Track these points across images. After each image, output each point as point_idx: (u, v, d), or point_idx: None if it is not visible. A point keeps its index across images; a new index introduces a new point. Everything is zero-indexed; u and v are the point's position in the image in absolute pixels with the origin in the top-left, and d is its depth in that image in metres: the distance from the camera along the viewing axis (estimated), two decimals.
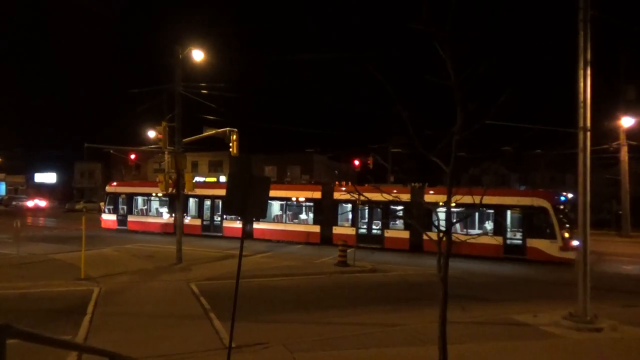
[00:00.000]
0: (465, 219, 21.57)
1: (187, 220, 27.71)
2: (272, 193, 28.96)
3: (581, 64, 9.76)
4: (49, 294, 12.62)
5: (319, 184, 28.13)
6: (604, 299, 11.98)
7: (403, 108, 5.65)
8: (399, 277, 16.44)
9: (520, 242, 20.42)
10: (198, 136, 19.19)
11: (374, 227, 23.66)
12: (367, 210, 23.43)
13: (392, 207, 20.23)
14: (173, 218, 27.65)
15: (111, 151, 39.65)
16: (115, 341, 8.47)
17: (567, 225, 19.72)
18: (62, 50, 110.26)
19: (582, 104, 9.84)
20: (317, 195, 24.96)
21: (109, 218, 30.60)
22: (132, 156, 43.55)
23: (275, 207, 26.74)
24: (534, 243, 19.97)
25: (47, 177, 77.87)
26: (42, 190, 72.31)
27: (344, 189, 23.32)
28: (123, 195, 30.34)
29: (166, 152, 18.89)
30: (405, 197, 19.40)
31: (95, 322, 9.90)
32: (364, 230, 23.81)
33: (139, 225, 29.28)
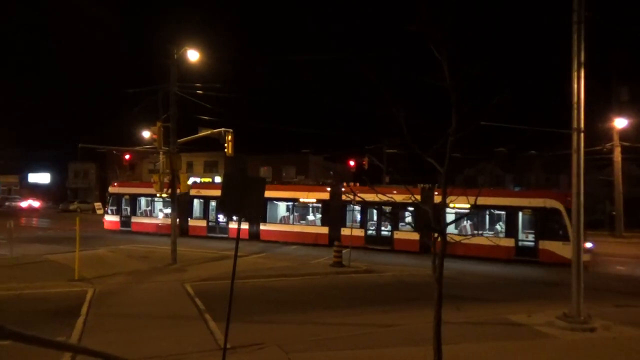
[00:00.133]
0: (473, 221, 21.63)
1: (193, 221, 27.57)
2: (279, 194, 28.28)
3: (575, 66, 9.81)
4: (43, 295, 12.54)
5: (327, 184, 27.93)
6: (598, 299, 12.05)
7: (399, 109, 5.66)
8: (394, 277, 16.47)
9: (532, 244, 20.26)
10: (193, 136, 19.16)
11: (383, 228, 23.40)
12: (375, 212, 23.17)
13: (401, 208, 20.02)
14: (177, 219, 27.63)
15: (113, 151, 39.40)
16: (109, 342, 8.44)
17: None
18: (56, 50, 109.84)
19: (575, 106, 9.90)
20: (325, 196, 24.67)
21: (111, 219, 30.28)
22: (127, 156, 43.41)
23: (282, 208, 26.57)
24: (546, 245, 19.82)
25: (40, 178, 77.37)
26: (35, 190, 71.84)
27: (344, 189, 23.12)
28: (126, 196, 30.03)
29: (161, 153, 18.84)
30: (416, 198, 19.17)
31: (89, 323, 9.85)
32: (372, 232, 23.56)
33: (142, 227, 28.93)
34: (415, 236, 22.16)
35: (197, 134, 19.12)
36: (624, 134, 33.05)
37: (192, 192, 27.84)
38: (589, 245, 19.23)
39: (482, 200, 22.49)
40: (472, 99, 5.52)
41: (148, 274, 15.81)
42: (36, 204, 62.42)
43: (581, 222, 10.08)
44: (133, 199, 29.79)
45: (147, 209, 30.00)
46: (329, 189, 25.35)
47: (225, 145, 18.49)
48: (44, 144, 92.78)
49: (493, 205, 21.36)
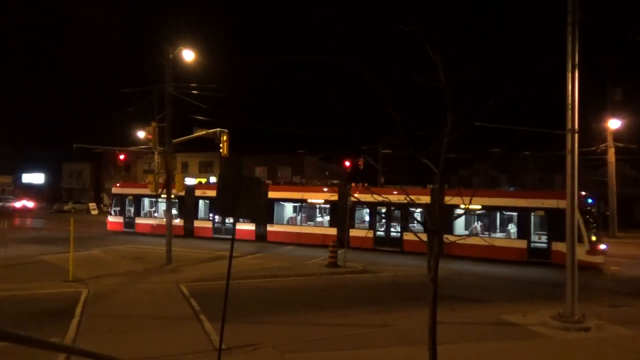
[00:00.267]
0: (484, 222, 21.41)
1: (198, 222, 27.32)
2: (286, 195, 27.39)
3: (569, 67, 9.87)
4: (36, 296, 12.47)
5: (336, 185, 27.66)
6: (593, 299, 12.13)
7: (394, 109, 5.68)
8: (389, 277, 16.48)
9: (545, 245, 19.98)
10: (188, 137, 19.11)
11: (392, 229, 23.14)
12: (384, 213, 22.91)
13: (411, 209, 19.73)
14: (183, 220, 27.56)
15: (110, 151, 39.19)
16: (103, 343, 8.41)
17: (595, 228, 19.23)
18: (52, 50, 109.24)
19: (569, 107, 9.96)
20: (334, 197, 24.20)
21: (115, 220, 29.98)
22: (122, 157, 43.19)
23: (289, 209, 26.36)
24: (559, 246, 18.93)
25: (34, 178, 76.90)
26: (29, 191, 71.41)
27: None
28: (130, 197, 29.64)
29: (156, 153, 18.80)
30: (425, 199, 19.05)
31: (84, 324, 9.80)
32: (381, 233, 23.26)
33: (147, 228, 28.45)
34: (425, 237, 21.86)
35: (193, 134, 19.07)
36: (617, 135, 33.23)
37: (198, 192, 27.60)
38: (603, 246, 19.06)
39: (494, 202, 22.06)
40: (468, 99, 5.55)
41: (143, 274, 15.75)
42: (30, 204, 62.05)
43: (575, 222, 10.14)
44: (137, 200, 29.37)
45: (151, 209, 29.66)
46: (337, 189, 24.96)
47: (221, 145, 18.45)
48: (38, 143, 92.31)
49: (505, 207, 21.20)
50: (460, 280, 15.84)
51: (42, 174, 76.67)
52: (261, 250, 22.61)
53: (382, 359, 7.97)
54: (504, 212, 21.70)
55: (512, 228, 21.35)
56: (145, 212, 29.56)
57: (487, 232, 21.01)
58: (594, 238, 18.82)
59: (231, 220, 27.57)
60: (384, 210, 22.42)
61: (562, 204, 19.70)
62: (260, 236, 25.44)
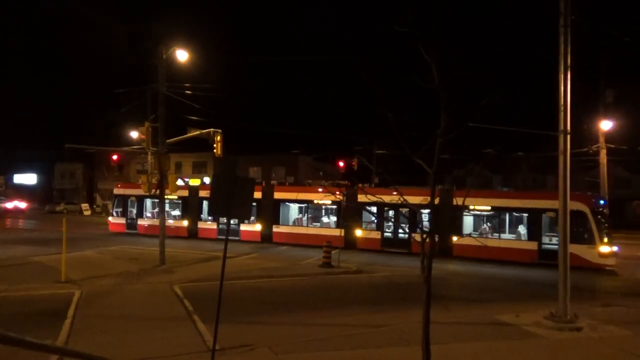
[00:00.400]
0: (494, 223, 21.19)
1: (202, 223, 27.12)
2: (293, 195, 27.30)
3: (562, 69, 9.94)
4: (28, 297, 12.36)
5: (342, 185, 27.56)
6: (586, 298, 12.22)
7: (388, 109, 5.69)
8: (384, 278, 16.51)
9: (556, 247, 19.99)
10: (182, 137, 19.03)
11: (399, 231, 22.79)
12: (392, 214, 22.46)
13: (420, 210, 19.31)
14: (186, 221, 27.41)
15: (104, 152, 38.94)
16: (96, 344, 8.35)
17: (606, 230, 19.12)
18: (46, 50, 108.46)
19: (562, 108, 10.03)
20: (340, 197, 24.15)
21: (117, 221, 29.76)
22: (115, 157, 42.99)
23: (295, 210, 26.19)
24: (571, 248, 19.31)
25: (26, 178, 76.30)
26: (21, 191, 70.87)
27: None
28: (132, 198, 29.36)
29: (149, 153, 18.71)
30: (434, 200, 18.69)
31: (76, 325, 9.73)
32: (389, 234, 23.07)
33: (149, 229, 27.72)
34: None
35: (186, 134, 19.01)
36: (609, 136, 33.46)
37: (202, 193, 27.33)
38: (615, 248, 18.93)
39: (504, 203, 21.85)
40: (462, 100, 5.57)
41: (136, 275, 15.66)
42: (22, 205, 61.59)
43: (567, 223, 10.22)
44: (139, 201, 29.02)
45: (154, 210, 29.02)
46: (344, 190, 24.84)
47: (214, 145, 18.40)
48: (30, 144, 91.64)
49: (515, 208, 20.98)
50: (457, 280, 15.89)
51: (34, 175, 76.10)
52: (256, 250, 22.56)
53: (377, 358, 7.98)
54: (514, 214, 21.47)
55: (523, 230, 21.03)
56: (147, 213, 29.24)
57: (497, 234, 20.83)
58: (605, 240, 18.68)
59: (236, 221, 27.52)
60: (391, 212, 21.82)
61: (573, 205, 19.55)
62: (266, 237, 25.33)
